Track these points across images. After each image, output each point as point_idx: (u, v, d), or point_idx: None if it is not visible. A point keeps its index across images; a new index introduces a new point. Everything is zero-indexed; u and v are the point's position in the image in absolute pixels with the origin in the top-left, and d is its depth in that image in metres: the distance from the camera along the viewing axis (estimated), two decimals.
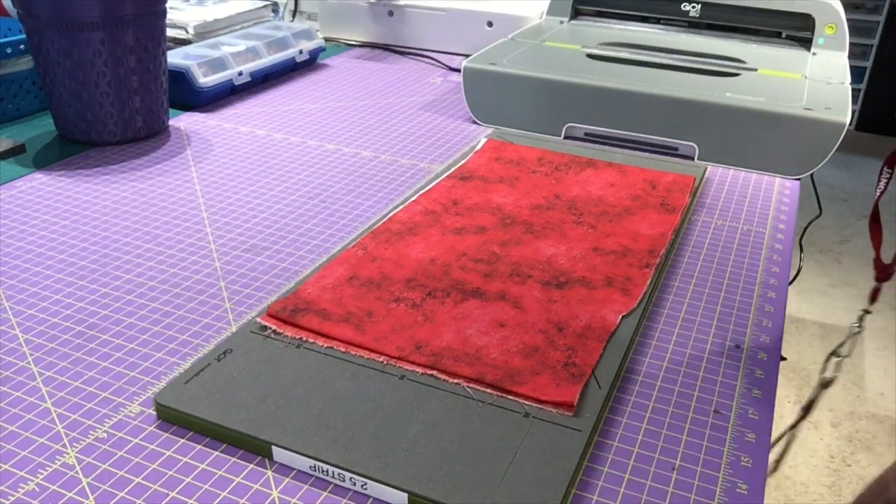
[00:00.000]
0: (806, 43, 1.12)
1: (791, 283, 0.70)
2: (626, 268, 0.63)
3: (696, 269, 0.67)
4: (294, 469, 0.45)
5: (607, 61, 1.02)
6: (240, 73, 1.06)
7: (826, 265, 2.48)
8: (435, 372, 0.50)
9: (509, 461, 0.43)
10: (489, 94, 0.97)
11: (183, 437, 0.47)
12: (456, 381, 0.50)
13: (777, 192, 0.83)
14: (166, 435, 0.47)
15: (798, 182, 0.86)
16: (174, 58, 1.00)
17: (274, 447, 0.45)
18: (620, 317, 0.57)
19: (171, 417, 0.48)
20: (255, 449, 0.45)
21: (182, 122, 0.98)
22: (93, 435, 0.47)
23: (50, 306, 0.60)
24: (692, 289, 0.64)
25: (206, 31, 1.20)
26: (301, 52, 1.17)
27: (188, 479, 0.44)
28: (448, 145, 0.93)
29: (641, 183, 0.79)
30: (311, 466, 0.44)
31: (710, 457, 0.47)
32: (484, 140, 0.87)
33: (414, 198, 0.73)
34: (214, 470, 0.45)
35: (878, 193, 0.58)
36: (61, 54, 0.84)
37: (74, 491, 0.43)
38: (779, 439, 0.72)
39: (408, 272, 0.61)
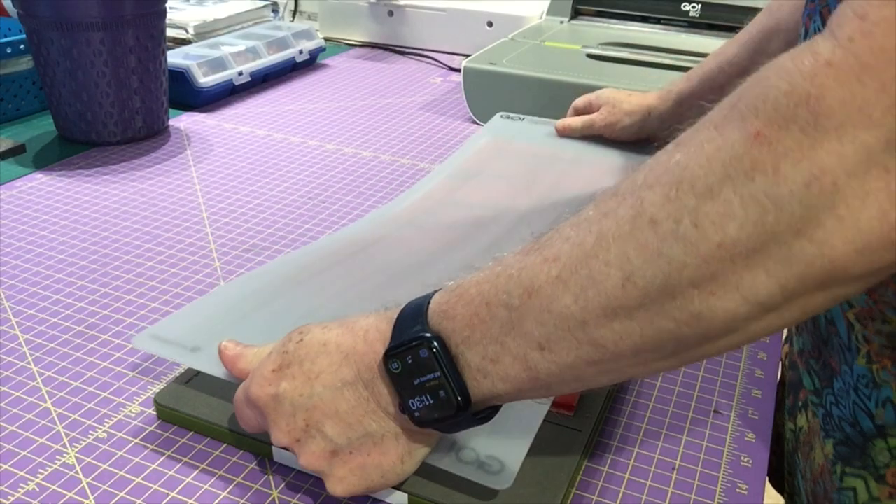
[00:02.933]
0: None
1: None
2: None
3: None
4: (294, 469, 0.45)
5: (607, 61, 1.02)
6: (240, 73, 1.06)
7: None
8: None
9: None
10: (489, 94, 0.97)
11: (183, 437, 0.47)
12: None
13: None
14: (166, 435, 0.47)
15: None
16: (174, 58, 1.00)
17: (274, 447, 0.45)
18: None
19: (171, 417, 0.48)
20: (256, 449, 0.45)
21: (182, 122, 0.98)
22: (93, 435, 0.47)
23: (50, 306, 0.60)
24: None
25: (206, 31, 1.20)
26: (301, 52, 1.17)
27: (188, 479, 0.44)
28: (448, 145, 0.93)
29: None
30: None
31: (710, 457, 0.47)
32: (484, 140, 0.87)
33: (414, 196, 0.73)
34: (214, 470, 0.45)
35: None
36: (61, 54, 0.84)
37: (74, 491, 0.43)
38: None
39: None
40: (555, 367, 0.32)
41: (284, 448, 0.39)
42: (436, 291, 0.37)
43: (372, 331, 0.37)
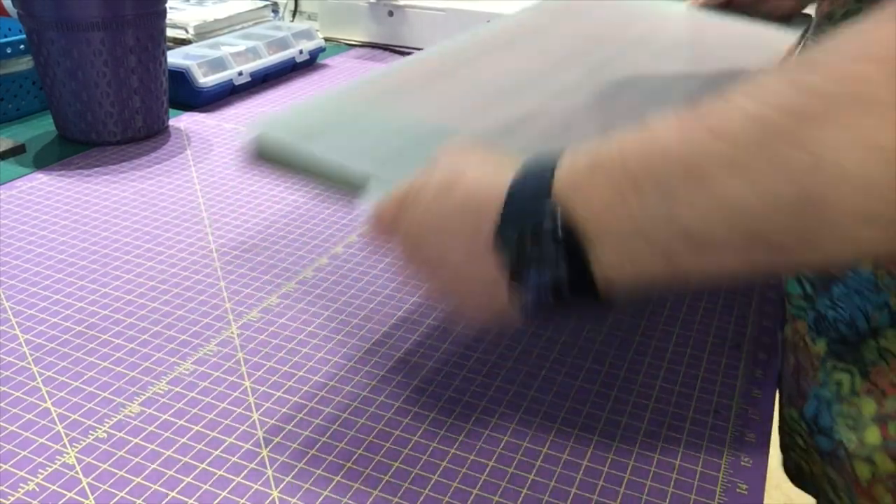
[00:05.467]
0: None
1: None
2: None
3: None
4: (294, 469, 0.45)
5: None
6: (240, 73, 1.06)
7: None
8: None
9: None
10: None
11: (183, 437, 0.47)
12: None
13: None
14: (166, 435, 0.47)
15: None
16: (174, 58, 1.00)
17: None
18: None
19: (266, 157, 0.47)
20: (343, 188, 0.44)
21: (182, 122, 0.98)
22: (93, 435, 0.47)
23: (50, 306, 0.60)
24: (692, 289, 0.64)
25: (206, 31, 1.20)
26: (301, 52, 1.17)
27: (188, 479, 0.44)
28: None
29: None
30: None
31: (710, 457, 0.47)
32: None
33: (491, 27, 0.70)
34: (214, 470, 0.45)
35: None
36: (61, 54, 0.84)
37: (74, 491, 0.43)
38: None
39: None
40: (703, 260, 0.29)
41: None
42: (560, 154, 0.32)
43: (494, 187, 0.34)
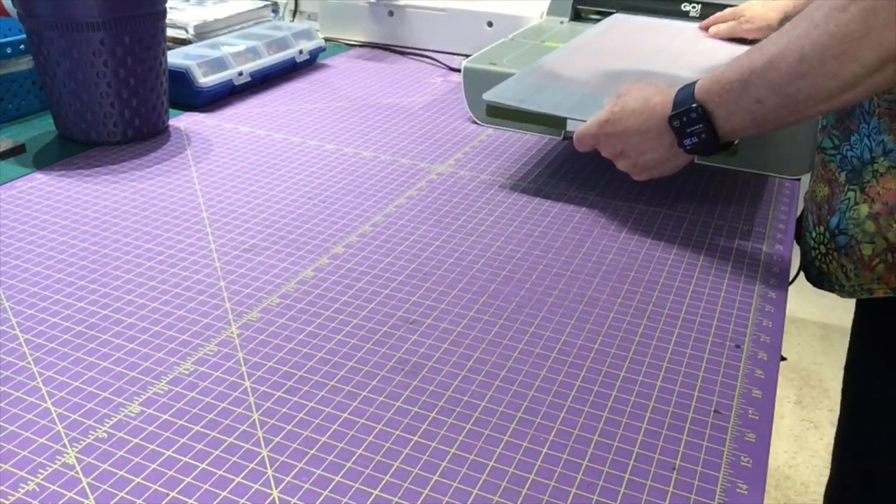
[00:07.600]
0: None
1: (791, 283, 0.70)
2: None
3: (696, 269, 0.67)
4: (294, 469, 0.45)
5: None
6: (240, 73, 1.06)
7: None
8: None
9: None
10: None
11: (183, 437, 0.47)
12: None
13: (777, 191, 0.83)
14: (166, 435, 0.47)
15: (798, 181, 0.86)
16: (174, 58, 1.00)
17: (568, 120, 0.76)
18: None
19: (497, 113, 0.80)
20: (556, 125, 0.79)
21: (182, 122, 0.98)
22: (93, 435, 0.47)
23: (50, 306, 0.60)
24: (692, 289, 0.65)
25: (206, 31, 1.20)
26: (301, 52, 1.17)
27: (188, 479, 0.44)
28: (448, 145, 0.93)
29: None
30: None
31: (710, 457, 0.47)
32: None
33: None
34: (214, 470, 0.45)
35: None
36: (61, 54, 0.84)
37: (74, 491, 0.43)
38: None
39: None
40: (766, 111, 0.59)
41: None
42: (697, 80, 0.65)
43: (666, 102, 0.66)
